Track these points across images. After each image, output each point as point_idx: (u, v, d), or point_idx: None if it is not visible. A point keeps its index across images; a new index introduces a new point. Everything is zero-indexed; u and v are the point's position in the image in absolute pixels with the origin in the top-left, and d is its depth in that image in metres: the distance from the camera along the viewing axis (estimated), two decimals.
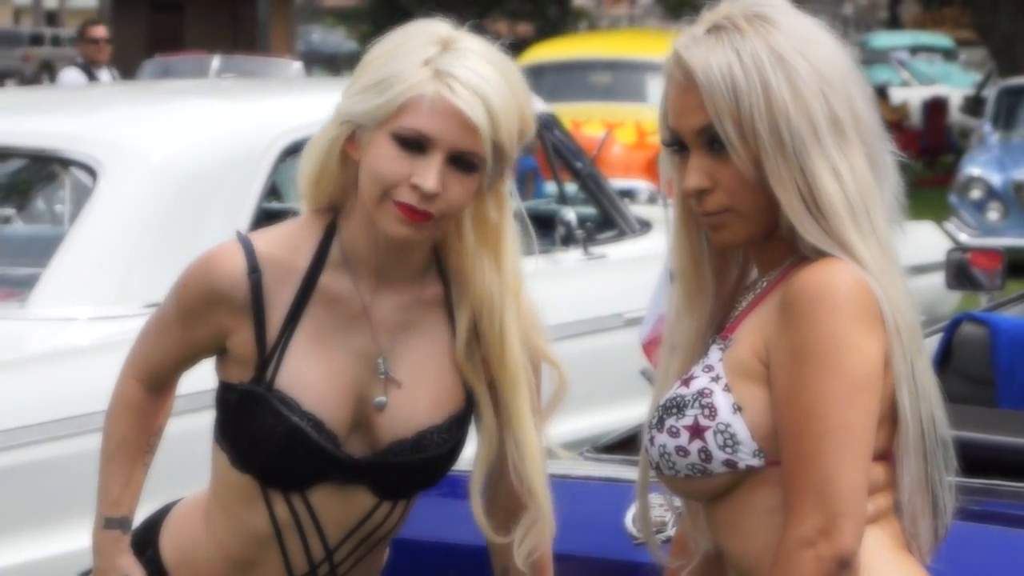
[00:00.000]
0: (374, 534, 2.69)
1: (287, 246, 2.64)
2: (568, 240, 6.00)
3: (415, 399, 2.61)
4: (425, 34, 2.58)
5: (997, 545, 2.58)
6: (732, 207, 2.27)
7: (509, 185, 2.64)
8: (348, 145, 2.56)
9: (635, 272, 5.79)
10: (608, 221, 6.53)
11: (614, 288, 5.61)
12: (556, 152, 6.41)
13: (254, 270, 2.60)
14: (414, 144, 2.50)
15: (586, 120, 11.62)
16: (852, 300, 2.18)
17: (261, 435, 2.58)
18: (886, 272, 2.24)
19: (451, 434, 2.63)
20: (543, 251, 6.09)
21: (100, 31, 15.73)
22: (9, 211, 6.12)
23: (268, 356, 2.60)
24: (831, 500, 2.15)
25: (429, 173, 2.47)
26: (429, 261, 2.64)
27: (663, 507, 2.52)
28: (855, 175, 2.24)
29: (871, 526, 2.23)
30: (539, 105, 6.53)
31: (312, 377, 2.59)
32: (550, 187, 6.24)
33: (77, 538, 4.20)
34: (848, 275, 2.19)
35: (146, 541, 2.74)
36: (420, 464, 2.62)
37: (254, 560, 2.67)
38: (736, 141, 2.23)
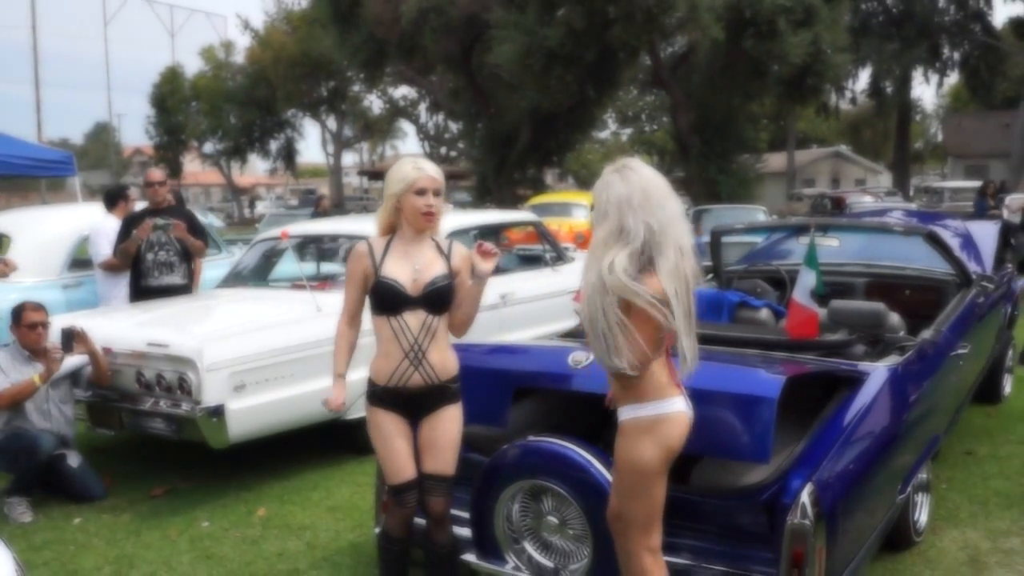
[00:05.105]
0: (430, 329, 2.43)
1: (380, 240, 2.49)
2: (545, 264, 5.78)
3: (426, 272, 2.43)
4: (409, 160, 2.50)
5: (703, 368, 2.31)
6: None
7: (445, 202, 2.49)
8: (397, 204, 2.44)
9: (570, 275, 5.56)
10: (559, 256, 6.28)
11: (561, 281, 5.37)
12: (541, 232, 6.18)
13: (368, 246, 2.47)
14: (422, 192, 2.42)
15: (551, 223, 11.40)
16: None
17: (381, 292, 2.42)
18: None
19: (443, 281, 2.43)
20: (539, 268, 5.92)
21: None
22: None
23: (376, 268, 2.43)
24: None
25: (432, 201, 2.46)
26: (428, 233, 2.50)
27: (585, 355, 2.29)
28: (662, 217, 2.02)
29: (655, 362, 2.03)
30: (532, 216, 6.34)
31: (394, 271, 2.42)
32: (538, 247, 6.02)
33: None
34: None
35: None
36: (437, 294, 2.42)
37: (390, 350, 2.43)
38: None
